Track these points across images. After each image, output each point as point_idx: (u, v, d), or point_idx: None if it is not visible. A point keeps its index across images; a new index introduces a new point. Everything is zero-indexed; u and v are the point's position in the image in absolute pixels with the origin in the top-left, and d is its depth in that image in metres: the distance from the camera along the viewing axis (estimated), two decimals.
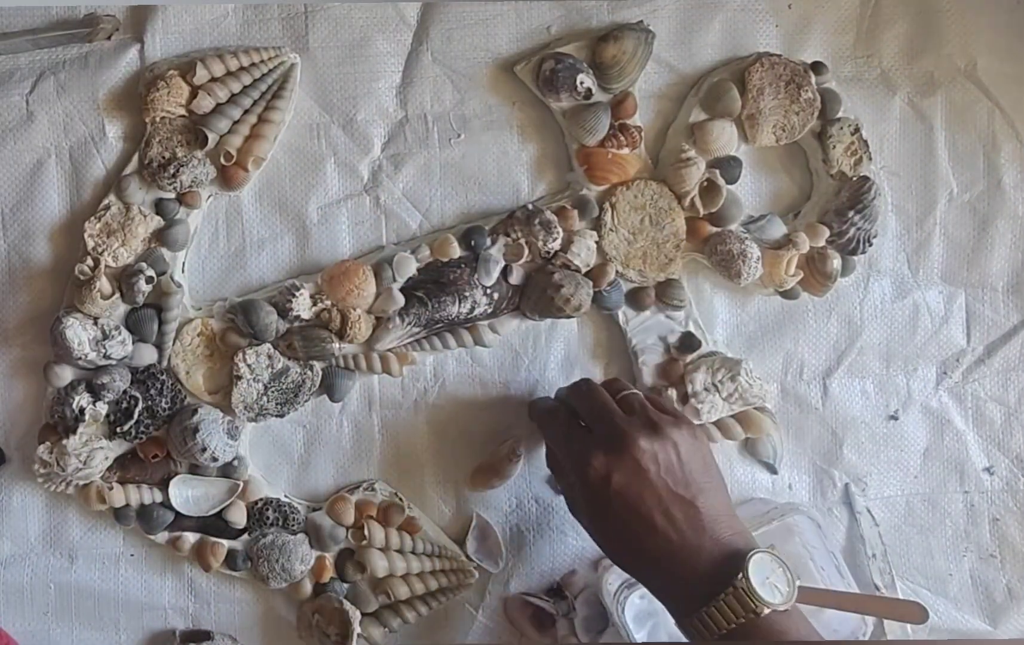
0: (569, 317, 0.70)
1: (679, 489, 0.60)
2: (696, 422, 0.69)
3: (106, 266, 0.67)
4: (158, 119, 0.67)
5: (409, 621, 0.71)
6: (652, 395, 0.69)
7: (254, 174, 0.69)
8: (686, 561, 0.58)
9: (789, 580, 0.58)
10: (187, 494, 0.69)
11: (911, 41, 0.72)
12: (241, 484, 0.69)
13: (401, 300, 0.68)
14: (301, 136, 0.70)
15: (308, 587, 0.70)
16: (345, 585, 0.70)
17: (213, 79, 0.68)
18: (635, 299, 0.71)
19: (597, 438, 0.62)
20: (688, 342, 0.71)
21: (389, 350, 0.69)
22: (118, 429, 0.67)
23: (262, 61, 0.68)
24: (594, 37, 0.69)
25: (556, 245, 0.69)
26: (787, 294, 0.71)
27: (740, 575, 0.56)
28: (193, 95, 0.67)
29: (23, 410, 0.70)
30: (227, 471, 0.69)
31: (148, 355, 0.68)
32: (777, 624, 0.56)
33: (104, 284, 0.66)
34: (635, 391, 0.66)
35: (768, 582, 0.57)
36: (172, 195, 0.68)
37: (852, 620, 0.69)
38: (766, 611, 0.56)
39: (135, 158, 0.68)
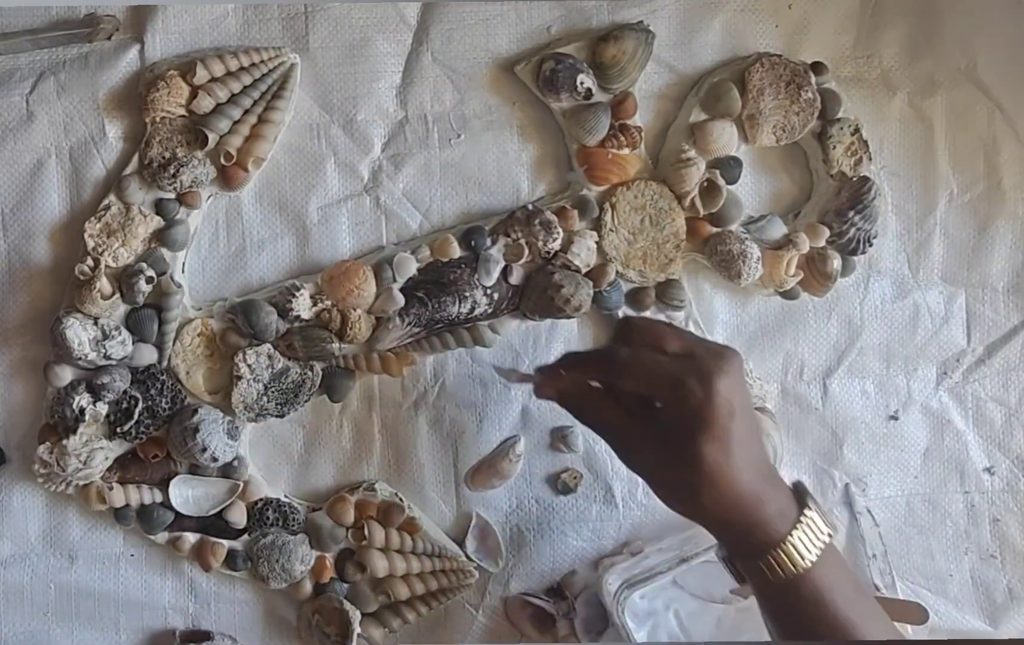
0: (569, 317, 0.70)
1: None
2: None
3: (106, 266, 0.67)
4: (158, 119, 0.67)
5: (409, 621, 0.71)
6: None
7: (254, 174, 0.69)
8: (771, 492, 0.56)
9: (823, 510, 0.58)
10: (187, 494, 0.69)
11: (911, 41, 0.72)
12: (241, 484, 0.69)
13: (401, 300, 0.68)
14: (301, 136, 0.70)
15: (308, 587, 0.70)
16: (345, 585, 0.71)
17: (213, 79, 0.68)
18: (635, 299, 0.71)
19: (710, 363, 0.55)
20: None
21: (389, 350, 0.69)
22: (118, 429, 0.67)
23: (262, 61, 0.68)
24: (594, 37, 0.69)
25: (556, 245, 0.69)
26: (787, 294, 0.71)
27: (809, 504, 0.56)
28: (193, 95, 0.67)
29: (23, 410, 0.70)
30: (227, 471, 0.69)
31: (148, 355, 0.68)
32: (827, 564, 0.56)
33: (104, 284, 0.66)
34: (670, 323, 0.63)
35: (821, 511, 0.58)
36: (172, 195, 0.68)
37: None
38: (828, 536, 0.56)
39: (135, 158, 0.68)
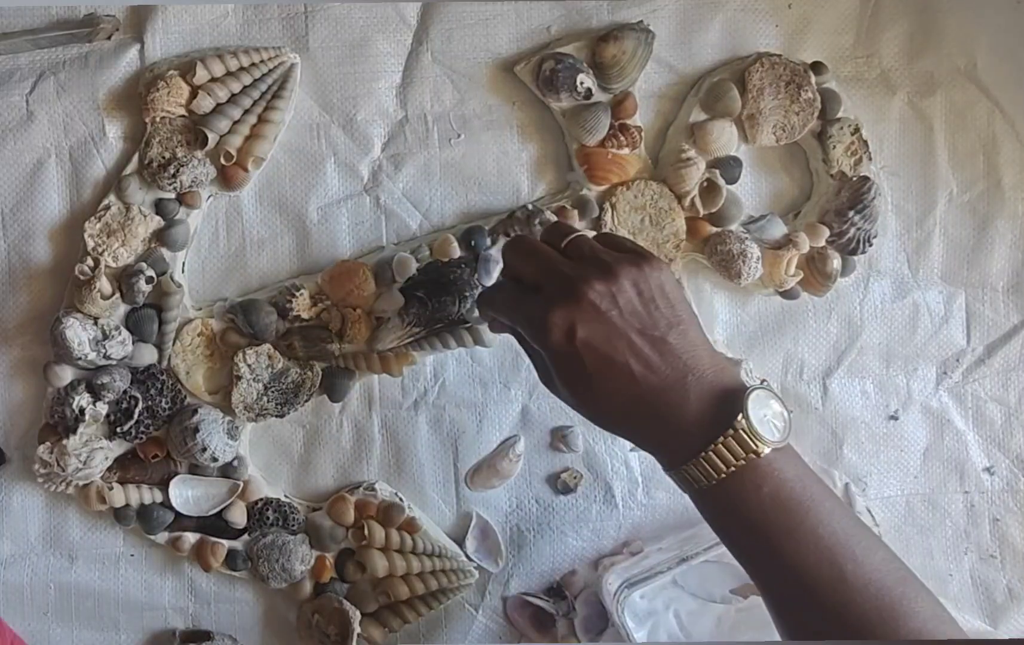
0: None
1: (647, 328, 0.54)
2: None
3: (106, 266, 0.67)
4: (158, 119, 0.67)
5: (409, 621, 0.71)
6: (604, 233, 0.65)
7: (254, 174, 0.69)
8: (672, 404, 0.53)
9: (785, 413, 0.54)
10: (187, 494, 0.69)
11: (911, 41, 0.72)
12: (241, 484, 0.69)
13: (401, 300, 0.68)
14: (301, 136, 0.70)
15: (308, 587, 0.70)
16: (345, 585, 0.71)
17: (213, 79, 0.68)
18: None
19: (549, 295, 0.55)
20: None
21: (389, 350, 0.69)
22: (118, 429, 0.67)
23: (262, 61, 0.68)
24: (594, 37, 0.69)
25: None
26: (787, 294, 0.71)
27: (740, 415, 0.51)
28: (193, 95, 0.67)
29: (23, 410, 0.70)
30: (227, 471, 0.69)
31: (148, 355, 0.68)
32: (775, 463, 0.52)
33: (104, 284, 0.66)
34: (581, 232, 0.59)
35: (766, 419, 0.52)
36: (172, 195, 0.68)
37: None
38: (766, 450, 0.52)
39: (135, 158, 0.68)
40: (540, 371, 0.59)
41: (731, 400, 0.53)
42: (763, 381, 0.57)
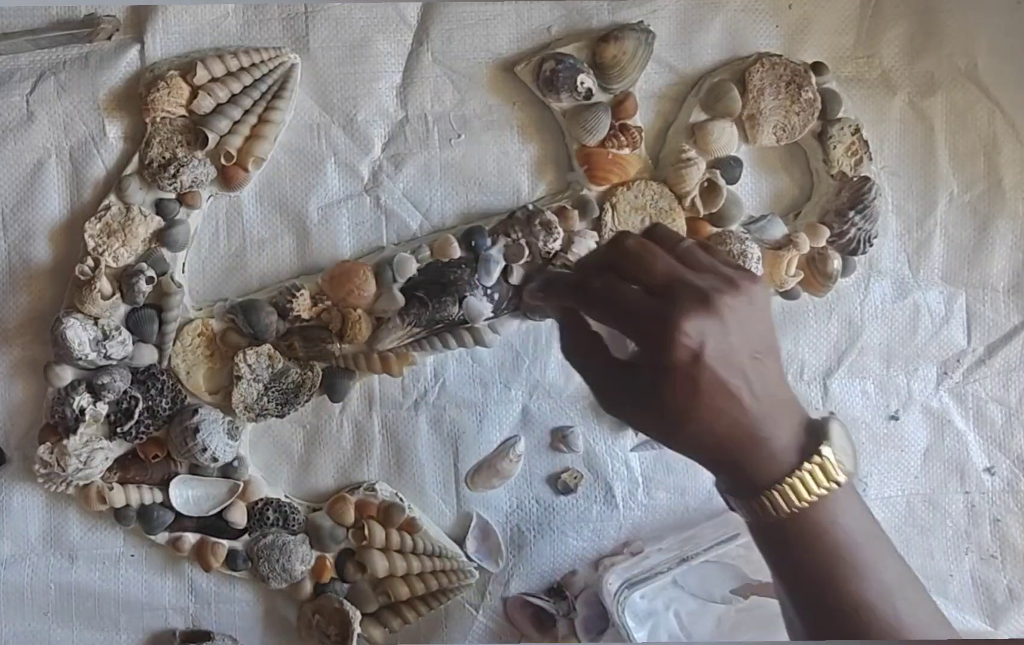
0: None
1: (757, 353, 0.52)
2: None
3: (106, 266, 0.67)
4: (158, 119, 0.67)
5: (409, 621, 0.71)
6: (703, 243, 0.63)
7: (254, 174, 0.69)
8: (766, 431, 0.52)
9: (852, 450, 0.54)
10: (187, 494, 0.69)
11: (912, 41, 0.72)
12: (241, 484, 0.69)
13: (401, 300, 0.68)
14: (301, 136, 0.70)
15: (308, 587, 0.70)
16: (345, 585, 0.71)
17: (213, 79, 0.68)
18: None
19: (677, 303, 0.50)
20: None
21: (389, 350, 0.69)
22: (118, 429, 0.67)
23: (262, 61, 0.68)
24: (594, 37, 0.69)
25: (556, 245, 0.69)
26: (787, 294, 0.71)
27: (824, 443, 0.52)
28: (193, 95, 0.67)
29: (23, 410, 0.70)
30: (227, 471, 0.69)
31: (148, 355, 0.68)
32: (850, 496, 0.53)
33: (104, 284, 0.66)
34: (692, 242, 0.56)
35: (841, 451, 0.53)
36: (172, 195, 0.68)
37: None
38: (843, 479, 0.52)
39: (135, 158, 0.68)
40: (604, 387, 0.56)
41: (816, 429, 0.53)
42: (831, 412, 0.58)
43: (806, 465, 0.52)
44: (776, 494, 0.52)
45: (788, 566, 0.54)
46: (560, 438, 0.72)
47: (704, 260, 0.54)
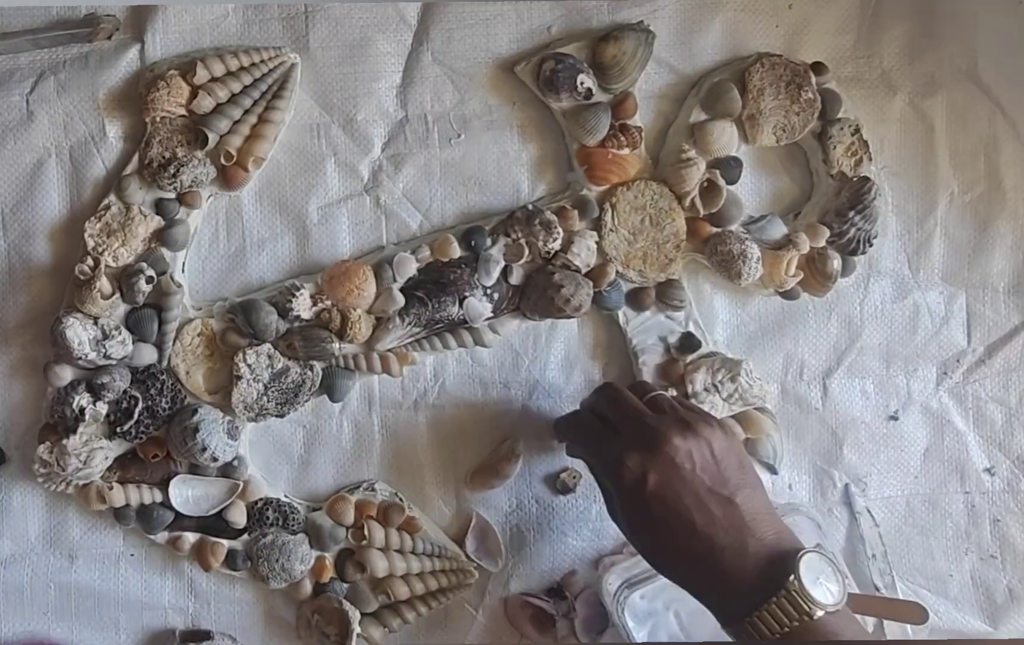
0: (569, 317, 0.70)
1: (716, 487, 0.58)
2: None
3: (106, 266, 0.67)
4: (158, 119, 0.67)
5: (409, 621, 0.71)
6: (679, 397, 0.68)
7: (254, 174, 0.69)
8: (731, 563, 0.56)
9: (839, 578, 0.56)
10: (187, 494, 0.69)
11: (912, 41, 0.72)
12: (241, 484, 0.69)
13: (401, 300, 0.68)
14: (301, 136, 0.70)
15: (308, 587, 0.70)
16: (345, 585, 0.70)
17: (213, 79, 0.68)
18: (635, 299, 0.71)
19: (629, 439, 0.60)
20: (688, 342, 0.71)
21: (389, 350, 0.69)
22: (118, 429, 0.67)
23: (262, 61, 0.68)
24: (594, 37, 0.69)
25: (556, 245, 0.69)
26: (787, 294, 0.71)
27: (791, 577, 0.54)
28: (193, 95, 0.67)
29: (23, 410, 0.70)
30: (227, 471, 0.69)
31: (148, 355, 0.68)
32: (828, 625, 0.54)
33: (104, 284, 0.66)
34: (662, 392, 0.65)
35: (820, 582, 0.55)
36: (172, 195, 0.68)
37: None
38: (819, 613, 0.54)
39: (135, 158, 0.68)
40: (607, 501, 0.63)
41: (785, 562, 0.55)
42: (818, 545, 0.60)
43: (773, 599, 0.54)
44: (748, 626, 0.54)
45: None
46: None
47: (666, 405, 0.63)
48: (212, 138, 0.67)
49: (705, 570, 0.57)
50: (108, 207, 0.67)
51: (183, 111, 0.68)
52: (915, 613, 0.67)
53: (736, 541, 0.56)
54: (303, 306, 0.68)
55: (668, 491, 0.57)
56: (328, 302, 0.68)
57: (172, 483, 0.68)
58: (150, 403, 0.68)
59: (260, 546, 0.69)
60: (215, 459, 0.67)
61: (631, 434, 0.60)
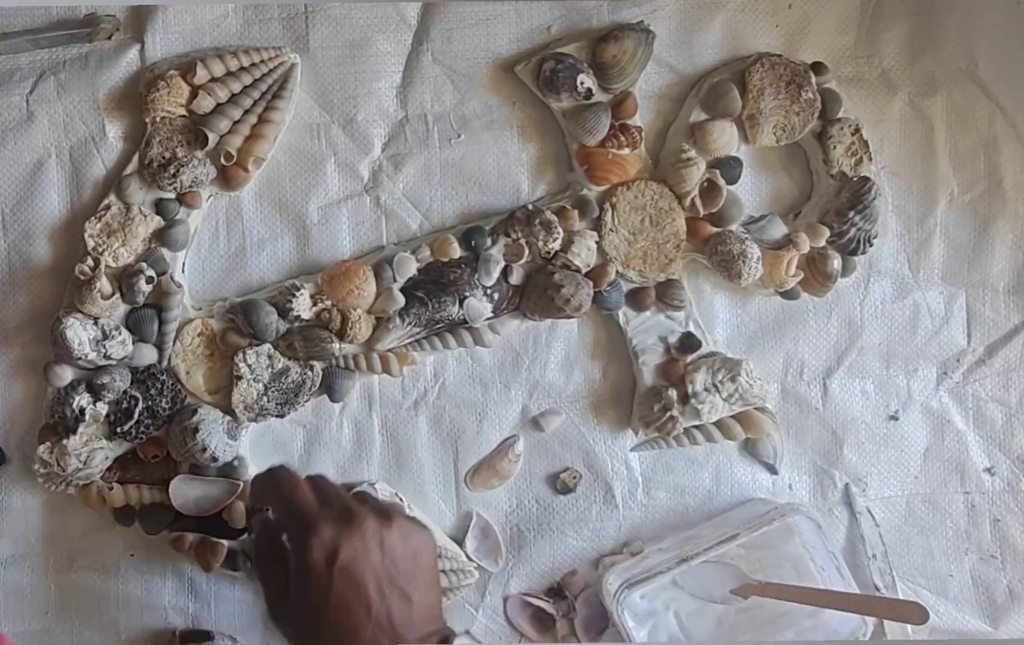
0: (569, 317, 0.70)
1: (399, 580, 0.57)
2: (696, 422, 0.70)
3: (106, 266, 0.67)
4: (158, 119, 0.67)
5: None
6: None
7: (254, 174, 0.69)
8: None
9: None
10: (187, 494, 0.69)
11: (912, 41, 0.72)
12: (241, 484, 0.69)
13: (401, 300, 0.68)
14: (301, 136, 0.70)
15: None
16: None
17: (213, 79, 0.68)
18: (635, 299, 0.71)
19: (326, 512, 0.57)
20: (688, 342, 0.71)
21: (389, 350, 0.69)
22: (118, 429, 0.67)
23: (262, 61, 0.68)
24: (594, 37, 0.69)
25: (556, 245, 0.69)
26: (787, 294, 0.71)
27: None
28: (193, 95, 0.67)
29: (23, 410, 0.70)
30: (227, 471, 0.69)
31: (148, 355, 0.68)
32: None
33: (104, 284, 0.66)
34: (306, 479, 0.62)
35: None
36: (172, 195, 0.68)
37: (852, 620, 0.69)
38: None
39: (135, 158, 0.68)
40: (270, 595, 0.59)
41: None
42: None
43: None
44: None
45: None
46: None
47: (337, 490, 0.60)
48: (212, 138, 0.67)
49: None
50: (108, 207, 0.67)
51: (183, 111, 0.68)
52: (915, 613, 0.67)
53: (400, 636, 0.56)
54: (303, 306, 0.68)
55: (355, 571, 0.56)
56: (328, 302, 0.68)
57: (172, 483, 0.68)
58: (150, 403, 0.68)
59: None
60: (215, 459, 0.67)
61: (329, 508, 0.58)
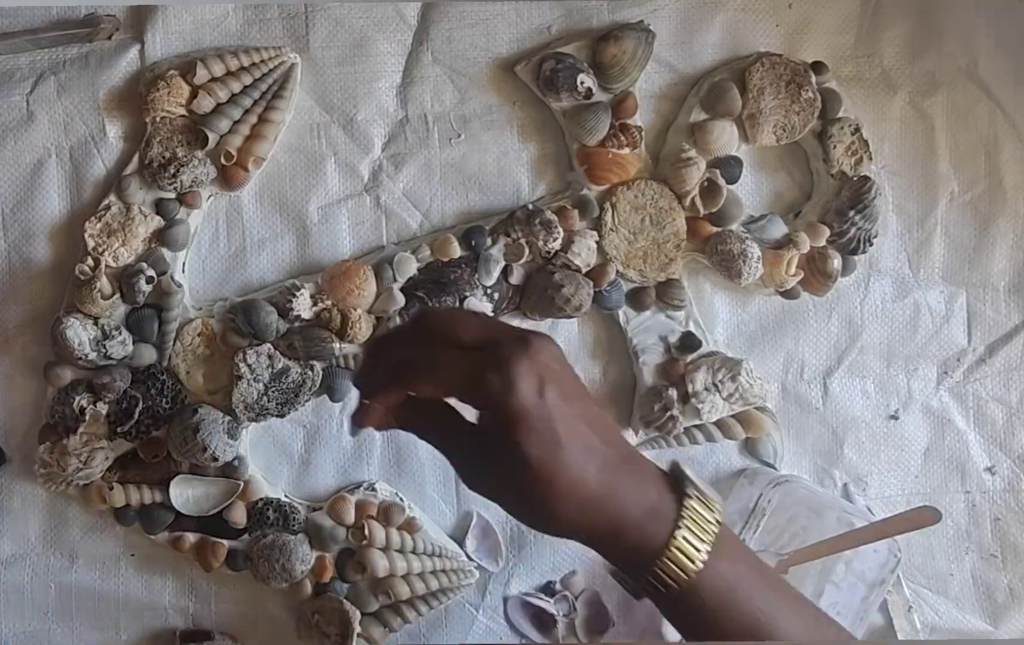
0: (569, 317, 0.70)
1: (584, 398, 0.47)
2: (697, 422, 0.69)
3: (106, 266, 0.67)
4: (158, 119, 0.67)
5: (409, 621, 0.71)
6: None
7: (254, 174, 0.69)
8: (630, 485, 0.46)
9: (707, 484, 0.49)
10: (187, 494, 0.69)
11: (912, 41, 0.72)
12: (241, 484, 0.69)
13: (401, 300, 0.68)
14: (301, 136, 0.70)
15: (308, 587, 0.70)
16: (345, 585, 0.70)
17: (213, 79, 0.68)
18: (635, 299, 0.71)
19: (503, 348, 0.45)
20: (688, 342, 0.71)
21: None
22: (118, 429, 0.67)
23: (262, 61, 0.68)
24: (594, 37, 0.69)
25: (556, 245, 0.69)
26: (788, 294, 0.71)
27: (687, 487, 0.47)
28: (193, 95, 0.67)
29: (23, 410, 0.70)
30: (227, 471, 0.69)
31: (148, 355, 0.68)
32: (724, 548, 0.47)
33: (104, 284, 0.66)
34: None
35: (702, 488, 0.48)
36: (172, 195, 0.68)
37: (880, 554, 0.68)
38: (717, 528, 0.47)
39: (135, 158, 0.68)
40: (469, 466, 0.49)
41: (675, 476, 0.48)
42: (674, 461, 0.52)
43: (682, 521, 0.46)
44: (668, 561, 0.46)
45: (701, 632, 0.48)
46: None
47: (490, 321, 0.52)
48: (212, 138, 0.67)
49: (615, 500, 0.46)
50: (108, 207, 0.67)
51: (183, 111, 0.68)
52: (927, 517, 0.65)
53: (624, 457, 0.47)
54: (303, 306, 0.68)
55: (565, 402, 0.45)
56: (328, 302, 0.68)
57: (172, 483, 0.68)
58: (150, 403, 0.68)
59: (260, 546, 0.69)
60: (215, 459, 0.67)
61: (503, 341, 0.46)
